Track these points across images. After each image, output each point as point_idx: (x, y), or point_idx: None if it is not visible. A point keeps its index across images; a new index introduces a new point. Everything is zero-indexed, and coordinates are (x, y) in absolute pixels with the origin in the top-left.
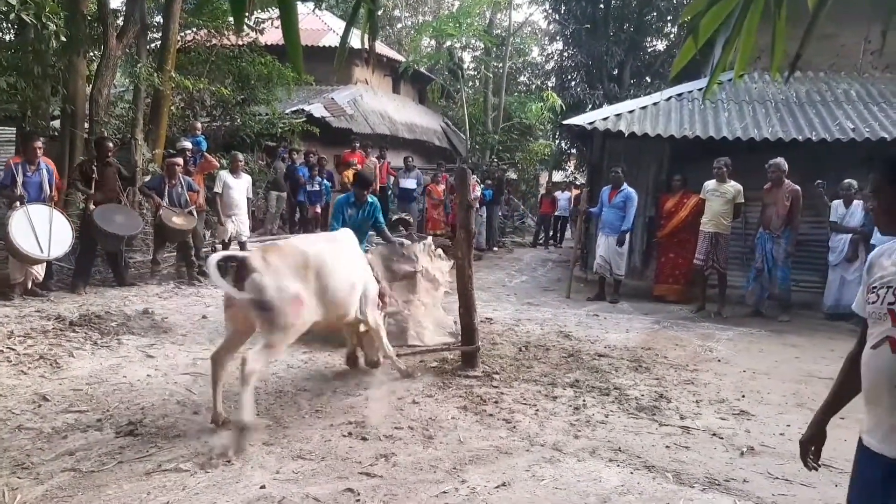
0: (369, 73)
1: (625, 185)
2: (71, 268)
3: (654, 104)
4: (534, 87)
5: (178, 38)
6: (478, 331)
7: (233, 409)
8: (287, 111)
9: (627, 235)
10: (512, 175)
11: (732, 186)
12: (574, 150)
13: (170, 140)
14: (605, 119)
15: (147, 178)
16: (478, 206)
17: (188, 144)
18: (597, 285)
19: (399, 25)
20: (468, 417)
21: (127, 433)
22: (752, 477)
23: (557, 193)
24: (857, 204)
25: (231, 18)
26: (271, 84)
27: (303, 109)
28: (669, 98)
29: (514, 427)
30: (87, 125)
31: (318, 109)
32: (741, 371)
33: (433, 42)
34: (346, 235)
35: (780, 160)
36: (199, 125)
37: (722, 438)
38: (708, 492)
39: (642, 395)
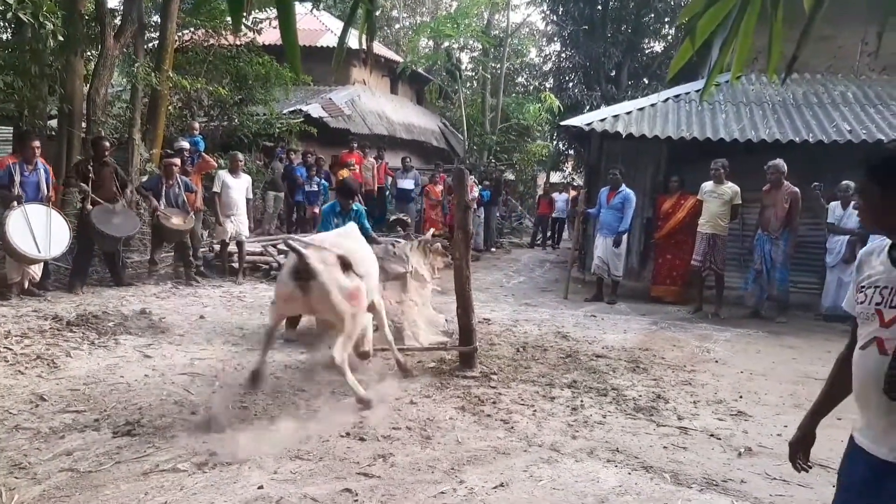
0: (367, 73)
1: (623, 187)
2: (68, 267)
3: (652, 105)
4: (532, 88)
5: (176, 37)
6: (476, 331)
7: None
8: (285, 111)
9: (625, 236)
10: (510, 176)
11: (730, 188)
12: (572, 152)
13: (167, 140)
14: (602, 120)
15: (144, 179)
16: (475, 206)
17: (186, 144)
18: (594, 286)
19: (397, 26)
20: (466, 418)
21: (124, 433)
22: (749, 477)
23: (555, 195)
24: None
25: (229, 18)
26: (269, 84)
27: (300, 109)
28: (667, 99)
29: (512, 427)
30: (84, 125)
31: (315, 110)
32: (738, 372)
33: (431, 43)
34: (353, 229)
35: (780, 161)
36: (196, 125)
37: (719, 439)
38: (705, 492)
39: (640, 396)
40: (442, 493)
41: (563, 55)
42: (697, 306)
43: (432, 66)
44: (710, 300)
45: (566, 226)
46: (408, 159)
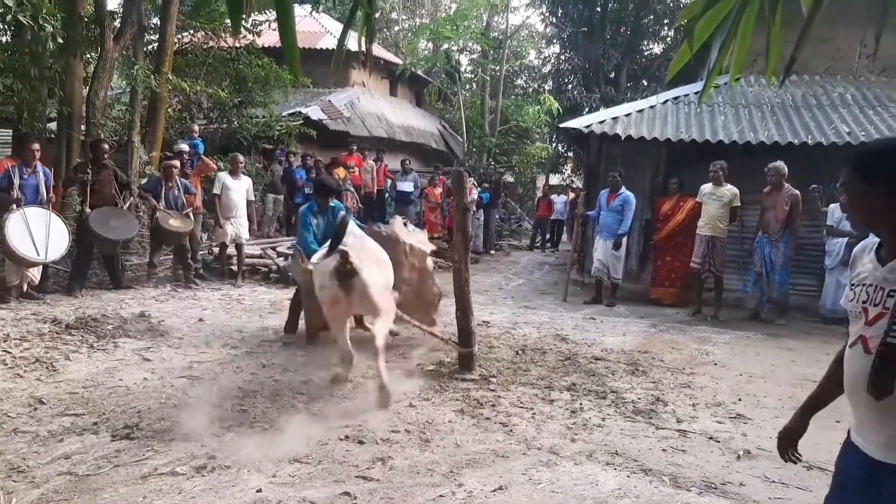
0: (366, 75)
1: (623, 189)
2: (67, 270)
3: (651, 107)
4: (531, 90)
5: (176, 40)
6: (475, 334)
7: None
8: (284, 113)
9: (624, 239)
10: (509, 178)
11: (729, 190)
12: (571, 154)
13: (167, 142)
14: (601, 122)
15: (144, 181)
16: (475, 209)
17: (185, 147)
18: (593, 288)
19: (396, 28)
20: (465, 421)
21: (123, 437)
22: (748, 480)
23: (553, 196)
24: None
25: (228, 21)
26: (268, 86)
27: (300, 112)
28: (666, 101)
29: (511, 430)
30: (83, 127)
31: (315, 112)
32: (737, 374)
33: (430, 45)
34: (355, 227)
35: (780, 164)
36: (196, 127)
37: (718, 442)
38: (704, 495)
39: (639, 399)
40: (441, 496)
41: (563, 57)
42: (696, 309)
43: (431, 68)
44: (710, 302)
45: (565, 228)
46: (407, 161)
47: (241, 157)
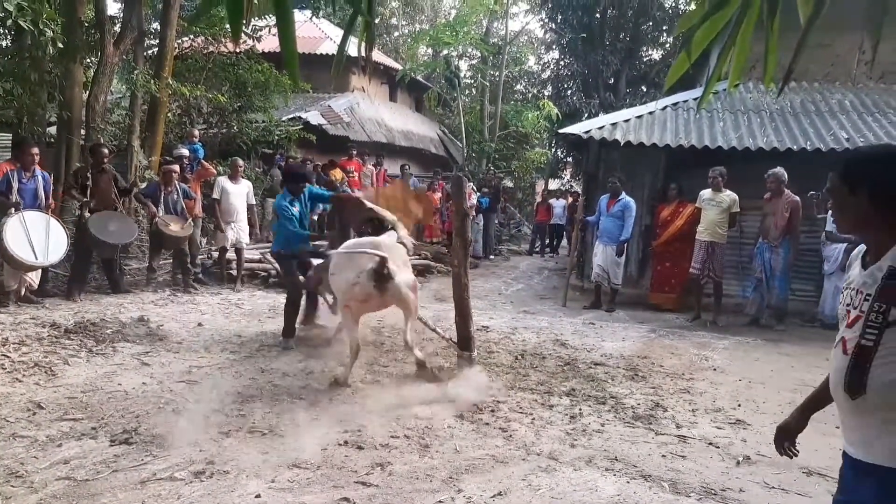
0: (366, 80)
1: (623, 195)
2: (66, 275)
3: (650, 113)
4: (530, 95)
5: (176, 45)
6: (474, 339)
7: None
8: (284, 118)
9: (626, 245)
10: (508, 183)
11: (728, 196)
12: (570, 159)
13: (166, 147)
14: (600, 128)
15: (143, 186)
16: (474, 214)
17: (185, 151)
18: (593, 294)
19: (396, 34)
20: (464, 426)
21: (122, 441)
22: (748, 486)
23: (552, 200)
24: None
25: (228, 26)
26: (268, 91)
27: (300, 117)
28: (665, 107)
29: (511, 436)
30: (83, 132)
31: (314, 117)
32: (737, 380)
33: (430, 50)
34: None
35: (780, 170)
36: (195, 132)
37: (718, 447)
38: (704, 501)
39: (638, 404)
40: (440, 502)
41: (562, 63)
42: (696, 314)
43: (431, 73)
44: (709, 308)
45: (564, 234)
46: (406, 167)
47: (240, 162)
